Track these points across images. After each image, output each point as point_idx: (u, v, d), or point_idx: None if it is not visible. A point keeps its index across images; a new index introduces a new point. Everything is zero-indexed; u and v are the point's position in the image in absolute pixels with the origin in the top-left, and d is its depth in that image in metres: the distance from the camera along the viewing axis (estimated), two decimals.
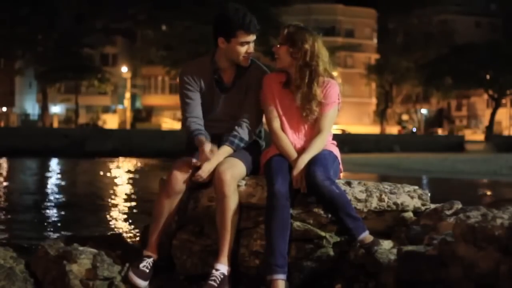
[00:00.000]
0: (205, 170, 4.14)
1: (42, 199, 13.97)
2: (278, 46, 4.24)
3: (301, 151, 4.18)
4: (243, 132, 4.31)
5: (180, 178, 4.18)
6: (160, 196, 4.25)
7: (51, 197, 14.53)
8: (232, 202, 4.10)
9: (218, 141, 4.31)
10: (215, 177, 4.14)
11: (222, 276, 4.05)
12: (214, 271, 4.06)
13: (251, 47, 4.30)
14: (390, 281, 3.75)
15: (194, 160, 4.16)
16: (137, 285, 4.15)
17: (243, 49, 4.28)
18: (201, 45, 47.04)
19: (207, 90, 4.41)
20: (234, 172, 4.14)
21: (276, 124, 4.27)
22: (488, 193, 18.00)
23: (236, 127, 4.31)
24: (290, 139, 4.24)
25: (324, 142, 4.22)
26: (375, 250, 3.92)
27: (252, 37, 4.28)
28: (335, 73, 4.34)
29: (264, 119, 4.46)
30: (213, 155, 4.17)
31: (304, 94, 4.17)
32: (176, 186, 4.19)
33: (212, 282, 4.02)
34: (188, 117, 4.38)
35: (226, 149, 4.26)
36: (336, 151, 4.32)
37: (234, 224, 4.12)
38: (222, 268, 4.07)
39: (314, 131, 4.23)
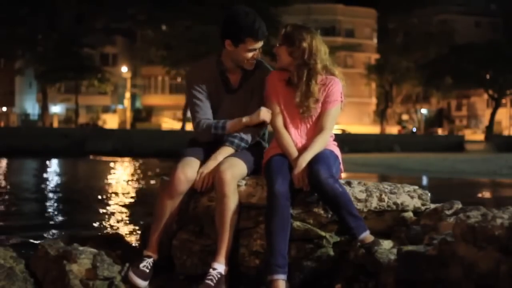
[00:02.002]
0: (201, 176, 4.17)
1: (41, 199, 13.95)
2: (278, 46, 4.24)
3: (302, 150, 4.17)
4: (244, 132, 4.30)
5: (183, 179, 4.16)
6: (162, 196, 4.23)
7: (51, 197, 14.52)
8: (232, 202, 4.09)
9: (220, 143, 4.30)
10: (215, 176, 4.13)
11: (219, 276, 4.04)
12: (211, 270, 4.05)
13: (257, 53, 4.29)
14: (390, 281, 3.74)
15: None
16: (137, 285, 4.15)
17: (249, 55, 4.27)
18: (201, 45, 47.06)
19: (214, 91, 4.38)
20: (234, 172, 4.13)
21: (279, 121, 4.27)
22: (488, 193, 17.98)
23: None
24: (292, 137, 4.24)
25: (326, 141, 4.22)
26: (375, 250, 3.92)
27: (260, 44, 4.27)
28: (337, 71, 4.31)
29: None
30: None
31: (303, 92, 4.17)
32: (180, 187, 4.17)
33: (209, 282, 4.01)
34: (201, 118, 4.35)
35: (225, 149, 4.25)
36: (337, 151, 4.32)
37: (233, 224, 4.11)
38: (219, 267, 4.07)
39: (316, 129, 4.23)
